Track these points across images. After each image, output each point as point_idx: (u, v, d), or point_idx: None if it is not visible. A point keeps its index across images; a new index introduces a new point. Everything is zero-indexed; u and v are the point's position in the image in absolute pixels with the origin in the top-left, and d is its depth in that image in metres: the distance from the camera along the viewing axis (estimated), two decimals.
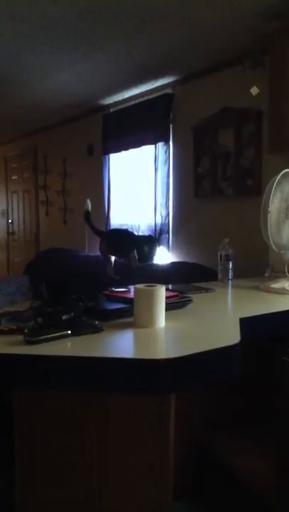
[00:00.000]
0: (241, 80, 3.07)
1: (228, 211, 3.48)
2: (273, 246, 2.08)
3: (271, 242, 2.06)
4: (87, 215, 3.78)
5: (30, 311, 1.41)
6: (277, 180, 2.08)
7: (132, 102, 4.31)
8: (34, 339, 1.21)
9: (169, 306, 1.50)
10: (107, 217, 4.64)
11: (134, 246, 3.55)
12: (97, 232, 4.00)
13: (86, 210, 3.77)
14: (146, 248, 3.52)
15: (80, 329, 1.30)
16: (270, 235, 2.04)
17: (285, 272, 2.11)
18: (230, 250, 2.32)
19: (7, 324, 1.36)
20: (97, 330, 1.32)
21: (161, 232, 4.02)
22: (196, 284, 2.15)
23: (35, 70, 3.67)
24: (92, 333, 1.31)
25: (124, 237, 3.77)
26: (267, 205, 2.06)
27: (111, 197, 4.65)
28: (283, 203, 2.09)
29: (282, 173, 2.11)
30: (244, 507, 1.47)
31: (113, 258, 3.75)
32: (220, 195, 3.52)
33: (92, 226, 3.93)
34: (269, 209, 2.03)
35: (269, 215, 2.03)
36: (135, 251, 3.51)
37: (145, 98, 4.15)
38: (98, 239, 3.99)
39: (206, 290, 2.04)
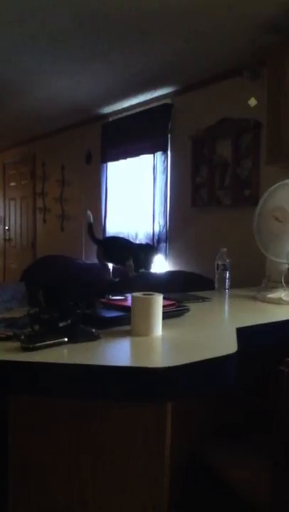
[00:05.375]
0: (240, 91, 3.09)
1: (225, 221, 3.49)
2: (271, 256, 2.09)
3: (271, 251, 2.07)
4: (90, 227, 3.82)
5: (26, 318, 1.41)
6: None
7: (131, 112, 4.34)
8: (31, 346, 1.20)
9: (166, 315, 1.50)
10: (104, 225, 4.65)
11: (130, 254, 3.56)
12: (97, 241, 4.02)
13: (89, 223, 3.82)
14: (143, 256, 3.54)
15: (76, 336, 1.29)
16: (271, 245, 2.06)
17: (281, 282, 2.11)
18: (227, 260, 2.32)
19: (3, 331, 1.35)
20: (93, 337, 1.32)
21: (159, 241, 4.03)
22: (193, 293, 2.15)
23: (35, 77, 3.69)
24: (89, 340, 1.30)
25: (120, 245, 3.78)
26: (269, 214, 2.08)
27: (108, 205, 4.66)
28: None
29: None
30: None
31: (110, 265, 3.76)
32: (217, 205, 3.54)
33: (93, 236, 3.95)
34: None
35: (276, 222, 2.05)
36: (131, 259, 3.52)
37: (144, 108, 4.18)
38: (95, 246, 4.01)
39: (203, 299, 2.04)
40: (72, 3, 2.45)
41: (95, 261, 4.13)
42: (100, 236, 4.35)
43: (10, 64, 3.39)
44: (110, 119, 4.63)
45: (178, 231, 3.96)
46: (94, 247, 4.09)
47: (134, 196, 4.35)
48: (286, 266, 2.11)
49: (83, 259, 4.88)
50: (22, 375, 1.14)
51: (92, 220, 3.74)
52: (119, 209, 4.57)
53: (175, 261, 3.97)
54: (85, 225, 3.79)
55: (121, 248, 3.72)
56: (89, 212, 3.78)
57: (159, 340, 1.36)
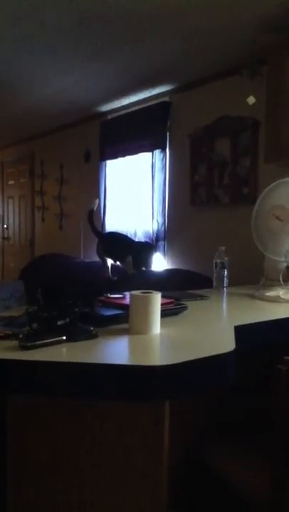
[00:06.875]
0: (239, 89, 3.09)
1: (223, 219, 3.49)
2: (269, 254, 2.09)
3: (270, 249, 2.07)
4: (90, 215, 3.78)
5: (25, 317, 1.41)
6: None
7: (130, 110, 4.33)
8: (29, 344, 1.20)
9: (164, 313, 1.50)
10: (103, 224, 4.65)
11: (130, 251, 3.56)
12: (97, 233, 4.00)
13: (90, 209, 3.77)
14: (143, 254, 3.53)
15: (75, 335, 1.29)
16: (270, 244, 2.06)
17: (279, 281, 2.11)
18: (225, 258, 2.32)
19: (2, 329, 1.35)
20: (92, 336, 1.32)
21: (157, 239, 4.03)
22: (192, 292, 2.15)
23: (34, 76, 3.68)
24: (87, 339, 1.30)
25: (121, 242, 3.78)
26: (267, 213, 2.08)
27: (107, 203, 4.66)
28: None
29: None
30: None
31: (110, 262, 3.76)
32: (216, 203, 3.54)
33: (94, 226, 3.92)
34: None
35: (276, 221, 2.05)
36: (131, 256, 3.52)
37: (143, 106, 4.17)
38: (94, 245, 4.00)
39: (201, 297, 2.04)
40: (71, 2, 2.44)
41: (94, 259, 4.13)
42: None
43: (8, 62, 3.38)
44: (109, 117, 4.62)
45: (176, 229, 3.96)
46: (93, 245, 4.08)
47: (133, 194, 4.35)
48: (284, 264, 2.11)
49: (82, 257, 4.88)
50: (20, 373, 1.14)
51: (95, 207, 3.65)
52: (117, 207, 4.56)
53: (173, 259, 3.97)
54: (86, 212, 3.67)
55: (121, 244, 3.72)
56: (97, 200, 3.69)
57: (157, 338, 1.36)
